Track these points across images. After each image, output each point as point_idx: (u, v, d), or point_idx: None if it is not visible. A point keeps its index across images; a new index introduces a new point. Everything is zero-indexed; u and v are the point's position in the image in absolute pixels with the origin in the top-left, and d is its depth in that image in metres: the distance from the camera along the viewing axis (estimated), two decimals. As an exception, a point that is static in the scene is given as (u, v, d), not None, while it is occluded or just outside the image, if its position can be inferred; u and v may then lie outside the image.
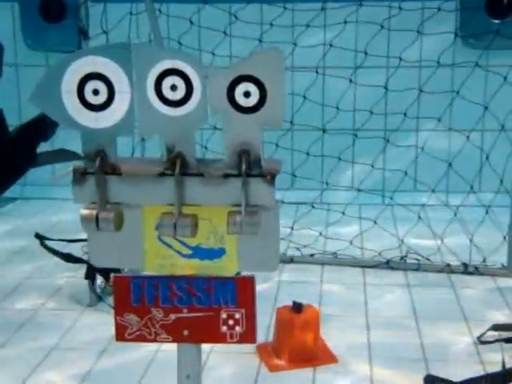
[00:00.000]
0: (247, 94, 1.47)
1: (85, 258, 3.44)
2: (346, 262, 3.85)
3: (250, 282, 1.62)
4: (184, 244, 1.61)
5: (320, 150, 4.59)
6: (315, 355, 2.80)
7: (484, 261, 3.75)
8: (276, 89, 1.45)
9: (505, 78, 3.99)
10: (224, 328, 1.64)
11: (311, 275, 3.71)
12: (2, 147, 2.49)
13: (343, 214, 4.09)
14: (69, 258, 3.50)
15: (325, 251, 3.96)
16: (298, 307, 2.81)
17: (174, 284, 1.63)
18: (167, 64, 1.47)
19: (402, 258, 3.84)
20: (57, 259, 3.53)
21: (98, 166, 1.52)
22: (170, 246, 1.62)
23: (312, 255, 3.90)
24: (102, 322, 3.16)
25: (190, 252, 1.61)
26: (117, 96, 1.50)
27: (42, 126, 2.22)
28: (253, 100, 1.47)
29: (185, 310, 1.64)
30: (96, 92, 1.51)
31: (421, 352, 2.89)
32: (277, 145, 4.13)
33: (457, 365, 2.78)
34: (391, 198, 4.12)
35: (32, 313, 3.31)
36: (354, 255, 3.90)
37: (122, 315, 1.66)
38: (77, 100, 1.52)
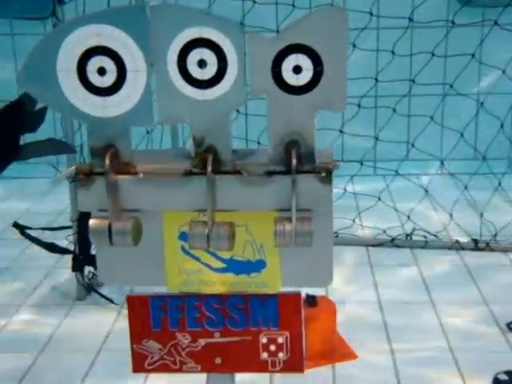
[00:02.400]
0: (298, 70, 1.16)
1: (70, 247, 3.15)
2: (348, 241, 3.60)
3: (295, 300, 1.34)
4: (215, 256, 1.32)
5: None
6: (333, 352, 2.55)
7: (495, 235, 3.53)
8: (336, 62, 1.14)
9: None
10: (264, 355, 1.36)
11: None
12: None
13: (345, 190, 3.80)
14: (53, 248, 3.17)
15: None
16: (311, 300, 2.54)
17: (203, 304, 1.34)
18: (194, 32, 1.15)
19: (407, 235, 3.60)
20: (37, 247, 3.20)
21: (108, 164, 1.21)
22: (197, 259, 1.32)
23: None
24: (96, 317, 2.89)
25: (222, 265, 1.32)
26: (129, 76, 1.18)
27: (26, 111, 1.88)
28: (305, 77, 1.16)
29: (216, 334, 1.36)
30: (102, 71, 1.19)
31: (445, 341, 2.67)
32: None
33: (488, 354, 2.57)
34: (396, 172, 3.83)
35: (12, 311, 2.97)
36: (355, 233, 3.65)
37: (140, 342, 1.37)
38: (77, 81, 1.20)
